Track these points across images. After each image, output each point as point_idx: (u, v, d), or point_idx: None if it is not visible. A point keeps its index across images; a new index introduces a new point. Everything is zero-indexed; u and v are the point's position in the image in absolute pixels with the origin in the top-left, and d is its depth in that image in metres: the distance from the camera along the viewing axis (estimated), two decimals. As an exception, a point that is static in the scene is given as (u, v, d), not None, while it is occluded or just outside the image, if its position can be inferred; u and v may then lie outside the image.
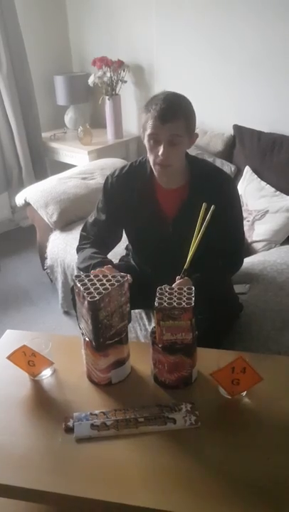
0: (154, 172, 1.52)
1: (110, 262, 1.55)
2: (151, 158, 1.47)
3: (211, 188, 1.53)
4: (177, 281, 1.40)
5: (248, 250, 2.15)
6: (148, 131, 1.42)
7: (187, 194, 1.55)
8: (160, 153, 1.41)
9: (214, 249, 1.51)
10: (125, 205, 1.61)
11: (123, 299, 1.22)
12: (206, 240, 1.54)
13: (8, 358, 1.27)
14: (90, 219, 1.72)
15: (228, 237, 1.56)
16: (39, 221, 2.51)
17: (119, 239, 1.76)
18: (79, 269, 1.64)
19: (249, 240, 2.18)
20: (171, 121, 1.38)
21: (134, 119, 3.22)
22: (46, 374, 1.32)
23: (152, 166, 1.50)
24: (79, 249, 1.69)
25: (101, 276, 1.23)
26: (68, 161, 3.19)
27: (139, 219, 1.62)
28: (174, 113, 1.38)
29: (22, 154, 3.12)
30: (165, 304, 1.17)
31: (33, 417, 1.20)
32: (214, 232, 1.53)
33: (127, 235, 1.75)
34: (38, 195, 2.48)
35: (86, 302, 1.16)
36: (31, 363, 1.27)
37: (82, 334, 1.26)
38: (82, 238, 1.72)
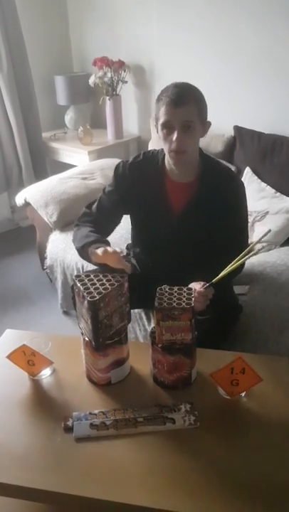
0: (169, 161, 1.52)
1: (106, 242, 1.51)
2: (166, 147, 1.47)
3: (220, 187, 1.54)
4: (202, 288, 1.35)
5: (248, 251, 2.15)
6: (161, 119, 1.42)
7: (196, 190, 1.55)
8: (174, 138, 1.41)
9: (217, 249, 1.52)
10: (134, 193, 1.61)
11: (123, 299, 1.23)
12: (209, 239, 1.55)
13: (8, 357, 1.27)
14: (97, 201, 1.69)
15: (232, 239, 1.56)
16: (39, 221, 2.51)
17: (116, 224, 1.71)
18: (76, 249, 1.58)
19: (249, 241, 2.18)
20: (183, 105, 1.39)
21: (135, 120, 3.22)
22: (46, 373, 1.32)
23: (167, 155, 1.50)
24: (76, 225, 1.65)
25: (101, 276, 1.23)
26: (68, 161, 3.19)
27: (145, 208, 1.62)
28: (185, 97, 1.39)
29: (22, 154, 3.12)
30: (165, 304, 1.17)
31: (32, 416, 1.20)
32: (218, 232, 1.54)
33: (132, 224, 1.74)
34: (38, 195, 2.48)
35: (86, 302, 1.16)
36: (31, 363, 1.27)
37: (82, 334, 1.26)
38: (83, 214, 1.68)
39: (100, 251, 1.34)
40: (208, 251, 1.51)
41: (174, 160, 1.48)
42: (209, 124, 1.50)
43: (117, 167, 1.64)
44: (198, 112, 1.43)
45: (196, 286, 1.37)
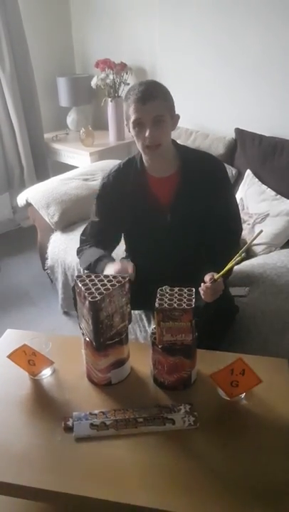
0: (145, 158, 1.55)
1: (108, 257, 1.57)
2: (139, 144, 1.49)
3: (203, 172, 1.56)
4: (209, 283, 1.38)
5: (248, 253, 2.16)
6: (132, 118, 1.45)
7: (180, 180, 1.57)
8: (147, 134, 1.44)
9: (215, 237, 1.55)
10: (122, 203, 1.63)
11: (124, 300, 1.23)
12: (204, 229, 1.56)
13: (9, 356, 1.27)
14: (88, 224, 1.75)
15: (226, 223, 1.60)
16: (40, 221, 2.52)
17: (117, 242, 1.76)
18: (84, 269, 1.66)
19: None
20: (151, 100, 1.42)
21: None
22: (46, 373, 1.32)
23: (142, 152, 1.53)
24: (78, 252, 1.73)
25: (102, 276, 1.23)
26: (70, 162, 3.20)
27: (136, 213, 1.64)
28: (151, 93, 1.42)
29: (24, 155, 3.13)
30: (165, 304, 1.18)
31: (32, 416, 1.21)
32: (211, 219, 1.55)
33: (125, 234, 1.76)
34: (39, 196, 2.49)
35: (87, 302, 1.16)
36: (31, 362, 1.28)
37: (83, 334, 1.27)
38: (81, 242, 1.75)
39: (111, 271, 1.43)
40: (208, 240, 1.54)
41: (149, 155, 1.51)
42: (178, 117, 1.53)
43: (100, 186, 1.68)
44: (167, 105, 1.46)
45: (207, 278, 1.40)
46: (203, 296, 1.40)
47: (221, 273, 1.37)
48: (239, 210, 1.72)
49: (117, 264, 1.47)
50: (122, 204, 1.63)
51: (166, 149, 1.51)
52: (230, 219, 1.63)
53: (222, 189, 1.60)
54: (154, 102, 1.42)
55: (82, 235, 1.76)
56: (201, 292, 1.39)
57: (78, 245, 1.75)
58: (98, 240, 1.69)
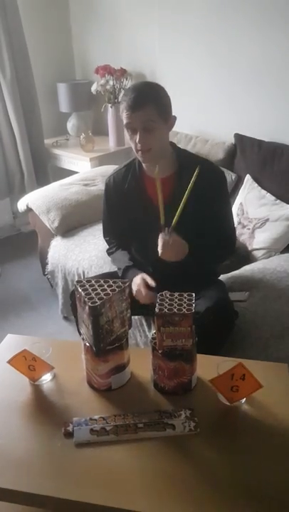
0: (140, 160, 1.59)
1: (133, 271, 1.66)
2: (132, 147, 1.54)
3: (200, 177, 1.56)
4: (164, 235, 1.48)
5: (248, 258, 2.16)
6: (124, 122, 1.50)
7: (176, 183, 1.58)
8: (137, 140, 1.48)
9: (204, 237, 1.59)
10: (121, 203, 1.68)
11: (124, 305, 1.23)
12: (197, 231, 1.58)
13: (9, 362, 1.27)
14: (103, 223, 1.83)
15: (216, 228, 1.61)
16: (40, 227, 2.53)
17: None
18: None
19: (249, 248, 2.19)
20: (141, 108, 1.44)
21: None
22: (46, 379, 1.32)
23: (136, 154, 1.57)
24: (109, 254, 1.84)
25: (102, 281, 1.24)
26: (70, 167, 3.21)
27: (132, 213, 1.66)
28: (142, 101, 1.45)
29: (24, 160, 3.14)
30: (165, 309, 1.18)
31: (32, 421, 1.20)
32: (203, 223, 1.56)
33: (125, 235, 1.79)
34: (40, 201, 2.49)
35: (87, 307, 1.16)
36: (31, 368, 1.27)
37: (83, 339, 1.27)
38: (107, 243, 1.85)
39: (134, 289, 1.58)
40: (196, 240, 1.56)
41: (141, 158, 1.56)
42: (174, 118, 1.55)
43: (104, 186, 1.74)
44: (158, 111, 1.47)
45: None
46: (160, 254, 1.49)
47: (176, 218, 1.46)
48: (233, 220, 1.72)
49: (138, 281, 1.60)
50: (122, 204, 1.67)
51: (158, 153, 1.53)
52: (220, 222, 1.64)
53: (216, 195, 1.60)
54: (143, 109, 1.44)
55: (104, 236, 1.86)
56: (159, 250, 1.49)
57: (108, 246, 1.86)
58: (119, 238, 1.79)
